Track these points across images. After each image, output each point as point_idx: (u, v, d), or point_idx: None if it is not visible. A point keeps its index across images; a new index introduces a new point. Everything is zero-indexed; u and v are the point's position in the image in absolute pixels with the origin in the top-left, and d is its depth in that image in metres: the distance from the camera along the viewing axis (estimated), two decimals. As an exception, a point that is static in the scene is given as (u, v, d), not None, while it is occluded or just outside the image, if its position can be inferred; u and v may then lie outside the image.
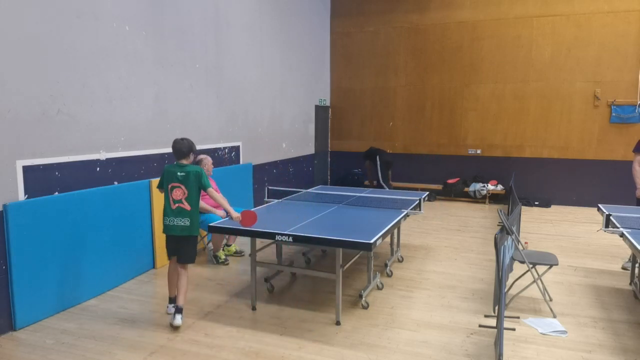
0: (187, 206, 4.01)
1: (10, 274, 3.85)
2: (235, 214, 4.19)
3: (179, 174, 4.02)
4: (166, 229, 4.08)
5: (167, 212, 4.06)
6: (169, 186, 4.05)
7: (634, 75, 9.01)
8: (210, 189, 4.08)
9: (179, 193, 4.02)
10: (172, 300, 4.23)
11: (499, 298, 3.27)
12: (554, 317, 4.18)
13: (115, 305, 4.46)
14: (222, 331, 3.92)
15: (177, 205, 4.02)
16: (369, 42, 10.97)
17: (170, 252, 4.17)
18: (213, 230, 4.49)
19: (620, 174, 9.03)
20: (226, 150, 7.15)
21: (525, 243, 5.51)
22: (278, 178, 8.95)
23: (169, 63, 5.80)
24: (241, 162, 7.60)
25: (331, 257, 5.91)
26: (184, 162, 4.08)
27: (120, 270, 5.00)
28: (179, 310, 3.97)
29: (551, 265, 4.26)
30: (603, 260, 5.93)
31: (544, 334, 3.87)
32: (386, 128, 11.01)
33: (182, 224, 4.01)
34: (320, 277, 5.00)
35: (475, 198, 10.14)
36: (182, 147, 4.06)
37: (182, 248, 4.07)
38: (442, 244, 6.72)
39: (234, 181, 7.05)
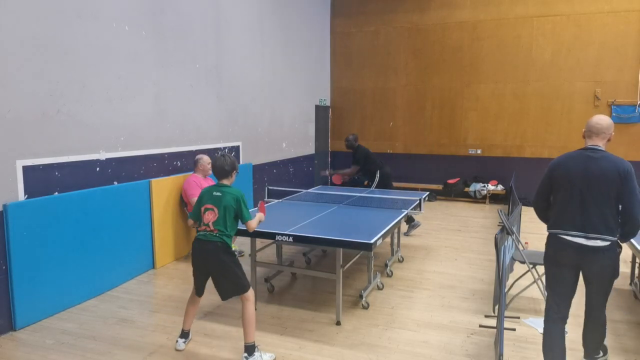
0: (214, 230, 3.41)
1: (10, 274, 3.85)
2: (263, 217, 3.76)
3: (214, 193, 3.47)
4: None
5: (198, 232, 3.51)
6: (202, 208, 3.49)
7: (634, 75, 9.01)
8: (250, 222, 3.47)
9: (210, 216, 3.43)
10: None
11: (499, 298, 3.27)
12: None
13: (115, 305, 4.46)
14: (222, 331, 3.92)
15: (204, 227, 3.45)
16: (369, 42, 10.96)
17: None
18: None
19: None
20: (226, 150, 7.15)
21: (526, 243, 5.50)
22: (278, 178, 8.95)
23: (169, 63, 5.80)
24: (241, 162, 7.60)
25: (331, 257, 5.91)
26: (225, 182, 3.56)
27: (120, 270, 5.00)
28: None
29: (551, 265, 4.25)
30: (603, 260, 5.91)
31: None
32: (386, 128, 11.00)
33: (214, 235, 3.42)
34: (320, 277, 5.00)
35: (475, 198, 10.14)
36: (225, 165, 3.52)
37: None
38: (442, 244, 6.72)
39: (234, 181, 7.03)
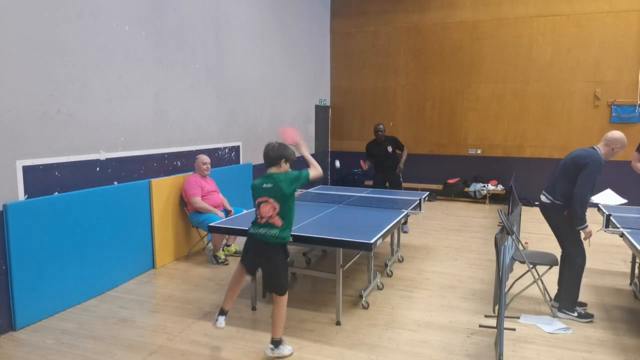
0: (278, 221, 3.35)
1: (10, 274, 3.85)
2: (301, 142, 3.71)
3: (264, 185, 3.36)
4: (249, 236, 3.52)
5: (254, 223, 3.48)
6: (257, 202, 3.41)
7: (634, 75, 9.01)
8: (312, 172, 3.48)
9: (267, 209, 3.35)
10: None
11: (499, 298, 3.27)
12: (554, 317, 4.18)
13: (115, 305, 4.46)
14: (222, 331, 3.91)
15: (265, 221, 3.38)
16: (369, 42, 10.97)
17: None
18: (213, 230, 4.50)
19: (620, 174, 9.02)
20: (226, 150, 7.15)
21: (526, 243, 5.50)
22: (278, 178, 8.92)
23: (169, 63, 5.80)
24: (241, 162, 7.60)
25: (331, 257, 5.91)
26: (274, 170, 3.43)
27: (120, 270, 5.00)
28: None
29: (551, 266, 4.26)
30: (603, 261, 5.92)
31: (550, 333, 3.86)
32: (386, 128, 10.98)
33: (272, 234, 3.38)
34: (320, 277, 5.00)
35: (475, 198, 10.14)
36: (270, 151, 3.38)
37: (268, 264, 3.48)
38: (442, 244, 6.72)
39: (234, 181, 7.05)
